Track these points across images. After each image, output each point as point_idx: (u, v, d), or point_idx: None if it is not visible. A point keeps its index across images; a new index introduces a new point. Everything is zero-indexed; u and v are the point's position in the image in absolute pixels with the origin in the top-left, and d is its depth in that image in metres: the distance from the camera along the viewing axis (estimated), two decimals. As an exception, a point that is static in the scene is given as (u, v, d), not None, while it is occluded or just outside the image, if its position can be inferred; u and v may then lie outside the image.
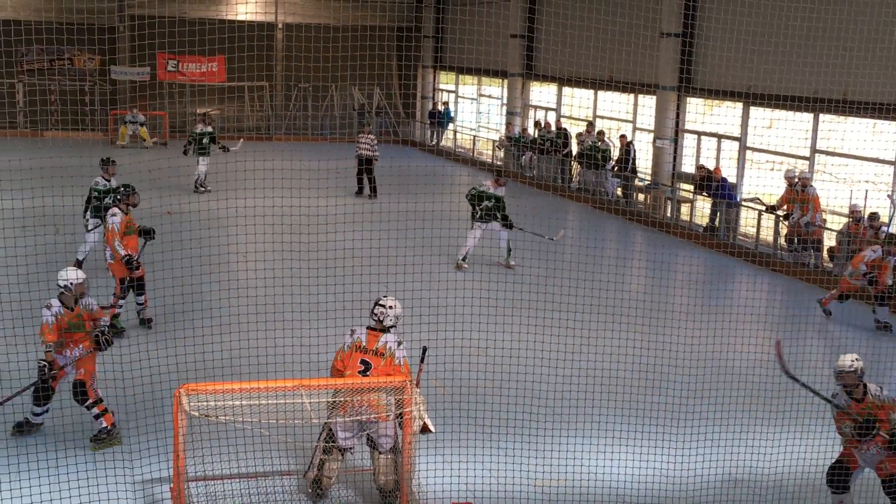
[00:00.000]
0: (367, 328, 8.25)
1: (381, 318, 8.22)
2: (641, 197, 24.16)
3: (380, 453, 8.14)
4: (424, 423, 7.90)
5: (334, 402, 7.92)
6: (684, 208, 22.57)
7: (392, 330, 8.24)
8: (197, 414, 7.38)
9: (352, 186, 24.16)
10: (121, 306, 12.35)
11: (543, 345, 10.00)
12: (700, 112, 23.95)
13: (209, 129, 23.89)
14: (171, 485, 7.79)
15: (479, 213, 16.38)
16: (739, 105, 21.81)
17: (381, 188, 23.40)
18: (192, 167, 23.29)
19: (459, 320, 11.07)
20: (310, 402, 7.61)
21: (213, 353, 9.96)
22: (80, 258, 14.98)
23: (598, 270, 13.46)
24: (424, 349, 8.32)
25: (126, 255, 12.17)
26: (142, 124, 32.14)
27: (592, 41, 21.60)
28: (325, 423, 8.07)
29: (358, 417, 7.98)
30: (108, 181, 15.20)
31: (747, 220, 20.09)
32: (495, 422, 9.25)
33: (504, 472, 8.54)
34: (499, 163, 30.59)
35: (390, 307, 8.25)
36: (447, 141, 35.59)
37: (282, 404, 7.73)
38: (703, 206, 21.64)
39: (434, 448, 8.79)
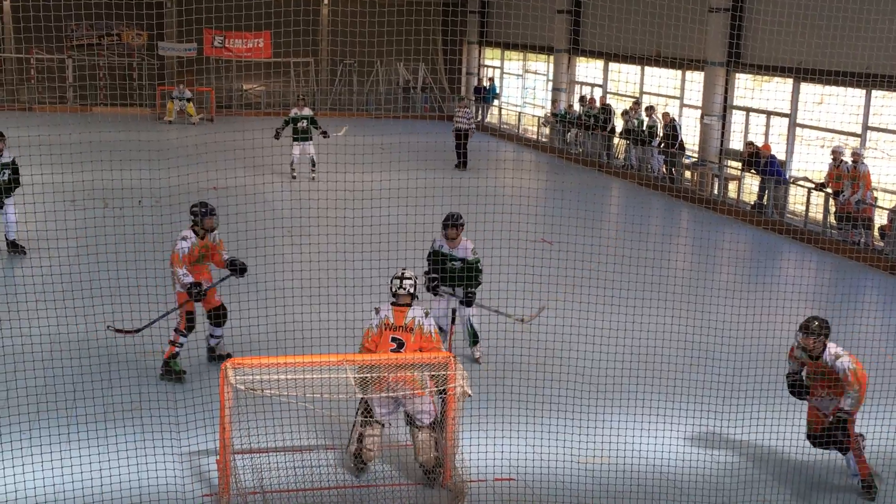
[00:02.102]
0: (393, 305, 8.29)
1: (409, 290, 8.30)
2: (688, 174, 23.93)
3: (418, 429, 8.17)
4: (463, 389, 7.89)
5: (366, 377, 7.89)
6: (732, 185, 22.33)
7: (415, 301, 8.33)
8: (242, 387, 7.46)
9: (451, 160, 24.77)
10: (181, 344, 10.32)
11: (588, 321, 9.95)
12: (749, 88, 23.63)
13: (306, 111, 22.45)
14: (218, 457, 7.87)
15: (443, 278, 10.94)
16: (789, 81, 21.47)
17: (424, 163, 23.41)
18: (239, 142, 23.15)
19: (503, 296, 11.05)
20: (354, 377, 7.65)
21: (258, 327, 10.03)
22: (12, 238, 14.37)
23: (644, 248, 13.38)
24: (453, 311, 8.40)
25: (189, 284, 10.21)
26: (189, 100, 32.37)
27: (640, 16, 21.38)
28: (362, 398, 8.10)
29: (394, 394, 8.00)
30: (0, 154, 14.29)
31: (796, 198, 19.82)
32: (539, 399, 9.24)
33: (547, 449, 8.53)
34: (544, 139, 30.45)
35: (411, 277, 8.42)
36: (492, 117, 35.47)
37: (326, 379, 7.78)
38: (751, 183, 21.39)
39: (477, 424, 8.80)
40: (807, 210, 19.13)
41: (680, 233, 19.42)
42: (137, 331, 10.14)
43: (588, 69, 30.91)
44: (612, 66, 29.48)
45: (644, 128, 24.42)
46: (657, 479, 8.48)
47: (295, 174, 22.20)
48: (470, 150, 25.47)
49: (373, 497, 8.05)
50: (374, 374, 7.87)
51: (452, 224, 10.91)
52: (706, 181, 22.88)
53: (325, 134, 21.72)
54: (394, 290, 8.43)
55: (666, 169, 24.20)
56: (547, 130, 30.65)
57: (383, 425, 8.27)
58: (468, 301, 10.68)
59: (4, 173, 14.27)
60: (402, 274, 8.45)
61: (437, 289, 10.74)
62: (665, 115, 24.33)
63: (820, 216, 18.88)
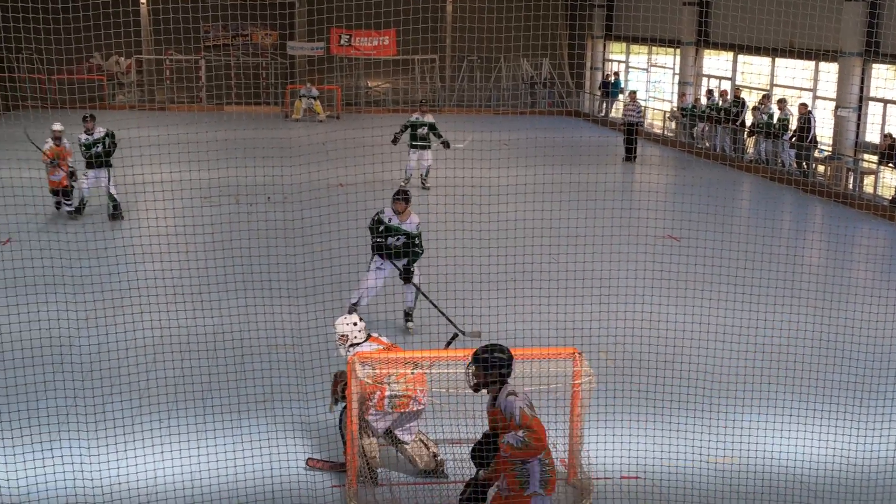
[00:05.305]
0: (367, 341, 8.19)
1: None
2: (821, 168, 23.22)
3: (405, 444, 8.11)
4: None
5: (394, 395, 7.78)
6: (868, 180, 21.57)
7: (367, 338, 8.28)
8: (370, 382, 7.59)
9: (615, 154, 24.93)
10: None
11: (717, 318, 9.78)
12: (887, 78, 22.77)
13: (428, 118, 20.51)
14: (345, 449, 8.02)
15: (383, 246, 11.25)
16: (931, 70, 20.64)
17: (550, 159, 23.35)
18: (367, 139, 23.23)
19: (631, 293, 10.96)
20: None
21: (386, 322, 10.19)
22: (83, 196, 17.50)
23: (775, 244, 13.06)
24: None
25: None
26: (315, 98, 33.00)
27: (772, 6, 20.84)
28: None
29: (418, 404, 7.90)
30: (91, 135, 17.14)
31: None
32: (666, 396, 9.12)
33: (675, 447, 8.42)
34: (670, 134, 29.98)
35: (359, 318, 8.32)
36: (616, 112, 35.09)
37: (452, 374, 7.85)
38: (889, 177, 20.62)
39: (604, 422, 8.75)
40: (949, 205, 18.36)
41: (813, 228, 18.87)
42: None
43: (717, 62, 30.29)
44: (742, 58, 28.81)
45: (775, 121, 23.81)
46: (788, 480, 8.27)
47: (406, 184, 20.25)
48: (599, 145, 25.26)
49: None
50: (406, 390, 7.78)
51: (402, 198, 11.19)
52: (840, 175, 22.16)
53: (445, 144, 19.79)
54: (356, 335, 8.12)
55: (797, 163, 23.54)
56: (673, 125, 30.18)
57: (378, 436, 8.07)
58: (406, 277, 11.03)
59: (97, 146, 17.13)
60: (355, 321, 8.19)
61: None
62: (802, 105, 23.62)
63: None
